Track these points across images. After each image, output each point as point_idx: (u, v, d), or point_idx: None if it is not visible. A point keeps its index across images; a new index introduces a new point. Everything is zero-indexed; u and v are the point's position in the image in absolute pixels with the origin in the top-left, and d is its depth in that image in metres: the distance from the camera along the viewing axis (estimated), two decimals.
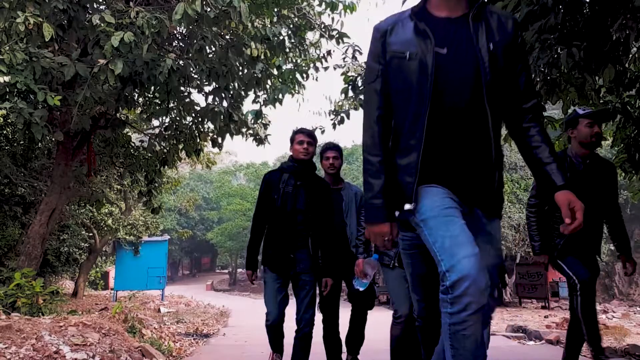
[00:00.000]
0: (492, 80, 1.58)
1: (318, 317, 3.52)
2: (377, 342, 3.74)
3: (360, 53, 6.11)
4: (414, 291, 1.99)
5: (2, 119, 8.94)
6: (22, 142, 9.31)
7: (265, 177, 3.35)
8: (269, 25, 6.55)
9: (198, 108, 7.42)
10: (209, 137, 8.13)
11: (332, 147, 3.70)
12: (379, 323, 3.51)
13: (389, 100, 1.71)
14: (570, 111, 3.59)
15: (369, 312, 3.72)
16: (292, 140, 3.31)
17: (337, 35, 7.19)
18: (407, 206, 1.61)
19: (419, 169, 1.60)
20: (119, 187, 11.70)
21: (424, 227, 1.58)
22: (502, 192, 1.69)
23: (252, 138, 8.24)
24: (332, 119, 6.16)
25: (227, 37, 6.76)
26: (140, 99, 8.53)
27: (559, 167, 1.62)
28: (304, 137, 3.23)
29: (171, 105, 7.57)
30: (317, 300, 3.44)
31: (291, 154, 3.32)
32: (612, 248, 17.08)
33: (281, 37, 6.85)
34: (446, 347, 1.48)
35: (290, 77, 7.38)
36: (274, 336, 3.26)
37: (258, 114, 7.60)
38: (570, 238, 2.96)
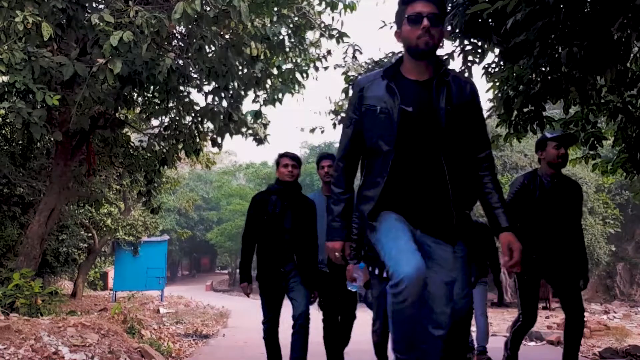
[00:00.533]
0: (447, 137, 1.89)
1: (319, 316, 3.71)
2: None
3: (361, 52, 6.09)
4: None
5: (0, 118, 8.92)
6: (20, 142, 9.28)
7: (255, 199, 3.69)
8: (269, 25, 6.53)
9: (197, 108, 7.39)
10: (209, 137, 8.11)
11: (327, 156, 3.87)
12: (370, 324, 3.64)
13: (357, 145, 2.04)
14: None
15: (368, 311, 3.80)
16: (277, 163, 3.63)
17: (337, 35, 7.16)
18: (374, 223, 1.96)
19: (378, 200, 1.92)
20: (118, 187, 11.68)
21: (378, 244, 1.92)
22: (465, 227, 1.95)
23: (251, 138, 8.22)
24: (332, 119, 6.15)
25: (227, 36, 6.74)
26: (140, 99, 8.50)
27: (505, 212, 1.93)
28: (288, 160, 3.54)
29: (170, 104, 7.54)
30: (317, 299, 3.68)
31: (277, 176, 3.62)
32: (614, 249, 17.10)
33: (281, 37, 6.83)
34: (389, 318, 1.83)
35: (290, 76, 7.36)
36: (271, 346, 3.52)
37: (258, 114, 7.58)
38: (541, 251, 3.28)
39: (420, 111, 1.90)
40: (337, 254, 2.02)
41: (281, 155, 3.63)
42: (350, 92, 5.46)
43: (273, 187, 3.65)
